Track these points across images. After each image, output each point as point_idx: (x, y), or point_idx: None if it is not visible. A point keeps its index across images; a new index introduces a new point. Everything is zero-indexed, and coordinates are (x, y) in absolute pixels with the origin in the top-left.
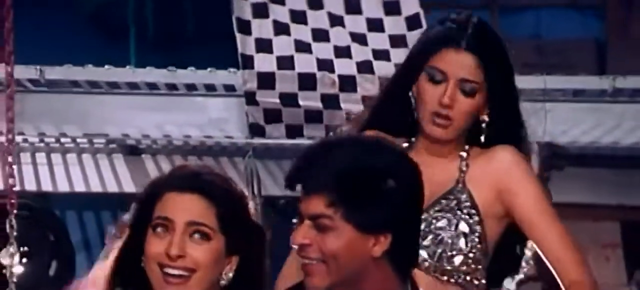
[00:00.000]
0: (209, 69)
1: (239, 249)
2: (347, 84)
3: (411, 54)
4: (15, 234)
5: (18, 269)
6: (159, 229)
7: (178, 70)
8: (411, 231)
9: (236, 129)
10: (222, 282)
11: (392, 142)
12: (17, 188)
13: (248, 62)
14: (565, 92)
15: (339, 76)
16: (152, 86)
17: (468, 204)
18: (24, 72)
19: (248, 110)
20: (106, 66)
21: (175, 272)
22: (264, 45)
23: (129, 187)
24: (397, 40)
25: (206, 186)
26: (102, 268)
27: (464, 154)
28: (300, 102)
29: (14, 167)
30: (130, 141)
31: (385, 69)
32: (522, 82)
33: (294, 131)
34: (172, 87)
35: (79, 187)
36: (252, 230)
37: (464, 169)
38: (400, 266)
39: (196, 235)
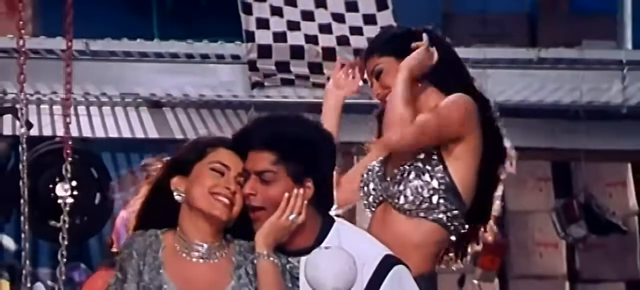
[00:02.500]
0: (219, 42)
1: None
2: (329, 54)
3: None
4: (69, 175)
5: (69, 200)
6: (216, 171)
7: (195, 43)
8: (327, 181)
9: (241, 89)
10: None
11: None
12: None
13: (250, 37)
14: (500, 61)
15: (322, 48)
16: (174, 55)
17: (432, 152)
18: (74, 44)
19: (250, 75)
20: (138, 39)
21: (225, 200)
22: (262, 23)
23: (153, 133)
24: (369, 19)
25: (243, 153)
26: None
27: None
28: (292, 69)
29: (70, 123)
30: (156, 99)
31: (359, 42)
32: (467, 52)
33: (287, 82)
34: (189, 56)
35: (113, 133)
36: None
37: None
38: (320, 208)
39: (239, 184)
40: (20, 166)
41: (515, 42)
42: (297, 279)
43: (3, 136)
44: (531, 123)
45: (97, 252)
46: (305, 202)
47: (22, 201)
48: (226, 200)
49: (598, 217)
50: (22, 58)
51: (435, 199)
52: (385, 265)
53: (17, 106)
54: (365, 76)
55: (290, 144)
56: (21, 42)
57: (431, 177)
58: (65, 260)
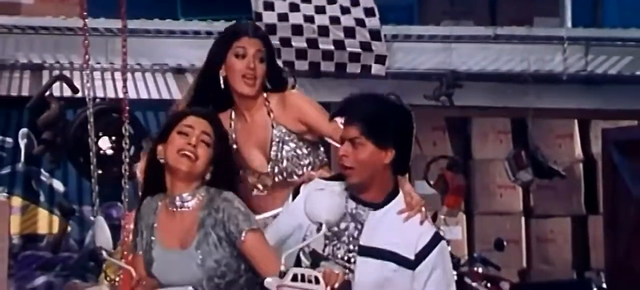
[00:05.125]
0: (233, 21)
1: (219, 161)
2: (323, 31)
3: (216, 45)
4: (128, 134)
5: (109, 151)
6: (183, 133)
7: (213, 22)
8: (406, 149)
9: None
10: (207, 177)
11: (395, 97)
12: (102, 96)
13: (258, 17)
14: (464, 37)
15: (318, 26)
16: (196, 32)
17: (285, 131)
18: (115, 23)
19: None
20: (167, 20)
21: (189, 154)
22: (268, 6)
23: (177, 95)
24: (354, 1)
25: (212, 117)
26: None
27: (268, 103)
28: (293, 44)
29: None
30: (181, 68)
31: (347, 21)
32: (437, 30)
33: (288, 65)
34: (209, 33)
35: (144, 95)
36: (230, 151)
37: (271, 113)
38: (396, 170)
39: (203, 142)
40: (88, 126)
41: (478, 20)
42: (361, 224)
43: (56, 98)
44: (489, 86)
45: (132, 194)
46: (387, 162)
47: (91, 154)
48: (190, 155)
49: (542, 164)
50: (86, 41)
51: None
52: (436, 238)
53: (84, 74)
54: None
55: (374, 118)
56: (82, 24)
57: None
58: (98, 199)
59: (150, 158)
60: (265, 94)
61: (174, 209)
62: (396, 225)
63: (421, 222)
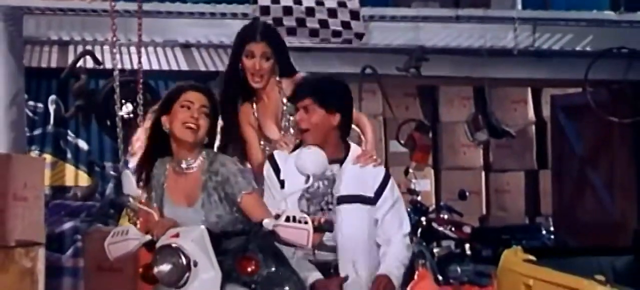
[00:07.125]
0: (233, 4)
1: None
2: (309, 12)
3: (233, 47)
4: (141, 101)
5: (132, 115)
6: (185, 106)
7: (216, 5)
8: (349, 114)
9: None
10: (205, 141)
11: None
12: (119, 66)
13: (254, 0)
14: (430, 17)
15: (305, 7)
16: (202, 13)
17: (291, 107)
18: (130, 5)
19: None
20: (176, 2)
21: (192, 126)
22: None
23: (184, 66)
24: None
25: (208, 91)
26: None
27: (281, 86)
28: (284, 23)
29: (141, 64)
30: (189, 44)
31: (331, 2)
32: (408, 11)
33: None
34: (212, 14)
35: (154, 66)
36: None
37: (281, 93)
38: (343, 133)
39: (203, 113)
40: (115, 96)
41: (443, 3)
42: (328, 181)
43: (86, 69)
44: (452, 59)
45: None
46: (335, 124)
47: (117, 119)
48: (193, 127)
49: (496, 126)
50: (114, 26)
51: None
52: (386, 177)
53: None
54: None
55: (323, 90)
56: (109, 7)
57: None
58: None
59: (154, 127)
60: (278, 79)
61: (180, 172)
62: (356, 173)
63: (374, 167)
